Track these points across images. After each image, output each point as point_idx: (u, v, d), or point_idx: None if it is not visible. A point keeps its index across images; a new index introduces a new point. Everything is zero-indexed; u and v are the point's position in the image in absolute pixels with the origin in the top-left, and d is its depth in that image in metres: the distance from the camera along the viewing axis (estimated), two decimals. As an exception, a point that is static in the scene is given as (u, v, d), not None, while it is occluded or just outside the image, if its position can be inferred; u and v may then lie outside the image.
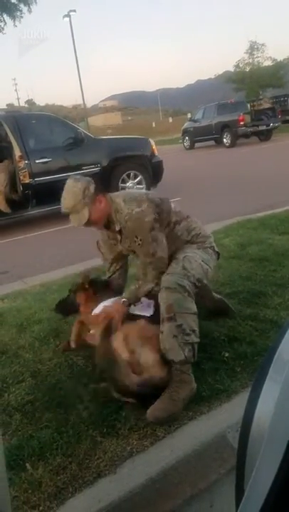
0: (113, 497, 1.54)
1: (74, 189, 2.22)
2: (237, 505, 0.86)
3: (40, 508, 1.54)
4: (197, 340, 2.02)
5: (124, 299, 2.28)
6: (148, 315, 2.30)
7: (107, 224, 2.33)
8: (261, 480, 0.78)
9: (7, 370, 2.40)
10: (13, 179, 6.82)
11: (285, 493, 0.71)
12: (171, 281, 2.06)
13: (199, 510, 1.58)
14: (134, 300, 2.31)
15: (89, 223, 2.26)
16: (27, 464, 1.71)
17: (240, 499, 0.80)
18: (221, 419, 1.84)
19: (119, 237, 2.32)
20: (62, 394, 2.12)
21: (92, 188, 2.22)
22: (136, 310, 2.35)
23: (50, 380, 2.26)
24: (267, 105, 18.77)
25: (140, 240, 2.19)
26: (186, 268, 2.12)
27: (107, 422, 1.89)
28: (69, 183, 2.26)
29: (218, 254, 2.42)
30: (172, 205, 2.38)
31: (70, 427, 1.88)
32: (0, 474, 0.99)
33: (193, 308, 2.05)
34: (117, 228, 2.28)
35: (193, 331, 2.01)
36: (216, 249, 2.42)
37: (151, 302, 2.33)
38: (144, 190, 2.43)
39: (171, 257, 2.24)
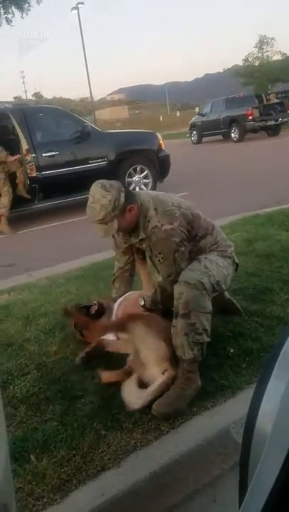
0: (116, 490, 1.55)
1: (103, 201, 2.05)
2: (240, 501, 0.86)
3: (44, 499, 1.55)
4: (208, 340, 2.01)
5: (141, 299, 2.28)
6: None
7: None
8: (265, 476, 0.78)
9: (12, 362, 2.41)
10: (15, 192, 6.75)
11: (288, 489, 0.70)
12: (192, 276, 2.02)
13: (202, 505, 1.58)
14: (151, 303, 2.28)
15: (118, 233, 2.22)
16: (31, 456, 1.72)
17: (243, 495, 0.80)
18: (225, 414, 1.84)
19: (137, 241, 2.26)
20: (67, 387, 2.13)
21: (122, 197, 2.08)
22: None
23: (55, 372, 2.27)
24: (274, 100, 18.61)
25: (162, 258, 2.11)
26: (208, 267, 2.10)
27: (111, 416, 1.89)
28: (97, 191, 2.08)
29: (236, 265, 2.37)
30: (202, 217, 2.27)
31: (75, 420, 1.89)
32: (4, 466, 0.99)
33: (209, 307, 2.03)
34: (141, 237, 2.20)
35: (205, 330, 2.00)
36: (236, 260, 2.36)
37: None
38: (173, 197, 2.31)
39: (191, 259, 2.19)
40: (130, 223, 2.17)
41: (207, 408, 1.89)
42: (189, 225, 2.16)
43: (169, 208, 2.14)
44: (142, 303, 2.29)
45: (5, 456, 0.98)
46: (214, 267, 2.13)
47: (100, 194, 2.06)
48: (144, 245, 2.25)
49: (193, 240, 2.20)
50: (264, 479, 0.79)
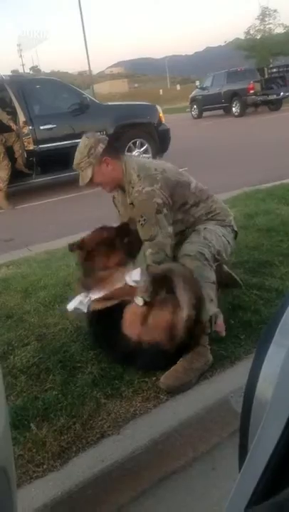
0: (116, 457, 1.57)
1: (81, 145, 2.18)
2: (240, 467, 0.86)
3: (44, 466, 1.57)
4: (215, 310, 2.00)
5: (139, 298, 2.11)
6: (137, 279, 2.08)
7: (122, 188, 2.28)
8: (265, 441, 0.78)
9: (12, 333, 2.42)
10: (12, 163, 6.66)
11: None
12: (191, 249, 2.03)
13: (201, 472, 1.60)
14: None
15: (93, 184, 2.21)
16: (31, 424, 1.74)
17: (243, 461, 0.80)
18: (224, 384, 1.85)
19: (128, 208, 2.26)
20: (66, 357, 2.14)
21: (99, 147, 2.16)
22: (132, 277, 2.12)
23: (55, 343, 2.28)
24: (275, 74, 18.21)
25: (144, 220, 2.10)
26: (207, 238, 2.10)
27: (111, 385, 1.91)
28: (82, 138, 2.23)
29: (236, 233, 2.35)
30: (192, 185, 2.26)
31: (75, 389, 1.91)
32: (4, 433, 1.00)
33: (213, 277, 2.02)
34: (129, 201, 2.22)
35: (211, 300, 1.98)
36: (235, 228, 2.34)
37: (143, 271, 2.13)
38: (161, 164, 2.28)
39: (190, 230, 2.19)
40: (106, 178, 2.21)
41: (206, 378, 1.91)
42: (173, 190, 2.16)
43: (151, 173, 2.16)
44: (141, 302, 1.99)
45: (4, 421, 0.98)
46: (214, 237, 2.12)
47: (82, 140, 2.21)
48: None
49: (183, 206, 2.20)
50: (264, 444, 0.78)
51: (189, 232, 2.21)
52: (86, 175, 2.18)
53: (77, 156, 2.19)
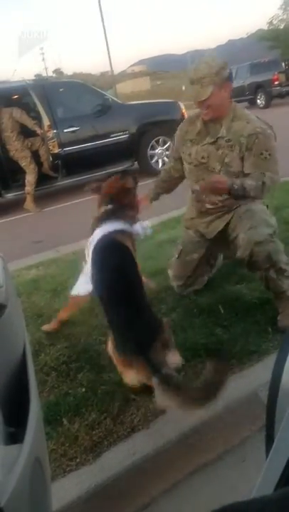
0: (147, 450, 1.60)
1: (211, 62, 2.15)
2: (267, 454, 0.87)
3: (77, 460, 1.62)
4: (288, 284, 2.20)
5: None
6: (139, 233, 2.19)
7: (209, 122, 2.28)
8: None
9: (43, 332, 2.47)
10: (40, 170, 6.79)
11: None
12: (259, 234, 2.10)
13: (232, 464, 1.61)
14: (238, 187, 2.14)
15: (204, 104, 2.19)
16: (64, 419, 1.79)
17: (270, 448, 0.81)
18: (253, 378, 1.85)
19: (211, 140, 2.26)
20: (95, 355, 2.18)
21: (226, 72, 2.17)
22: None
23: (83, 341, 2.32)
24: None
25: (269, 155, 2.17)
26: (265, 219, 2.18)
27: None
28: (207, 57, 2.23)
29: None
30: None
31: (104, 386, 1.94)
32: (38, 426, 1.03)
33: (282, 247, 2.19)
34: (221, 134, 2.22)
35: (287, 263, 2.19)
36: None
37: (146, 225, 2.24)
38: None
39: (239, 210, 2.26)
40: (221, 102, 2.19)
41: (234, 372, 1.90)
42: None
43: (265, 125, 2.23)
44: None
45: (37, 414, 1.01)
46: (268, 217, 2.21)
47: (210, 58, 2.20)
48: (218, 144, 2.24)
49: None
50: (289, 433, 0.79)
51: (234, 220, 2.26)
52: (205, 91, 2.14)
53: (204, 69, 2.13)
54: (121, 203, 2.18)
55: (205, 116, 2.27)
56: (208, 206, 2.35)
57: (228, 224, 2.31)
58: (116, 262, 1.94)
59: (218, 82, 2.12)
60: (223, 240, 2.35)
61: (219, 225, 2.35)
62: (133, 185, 2.26)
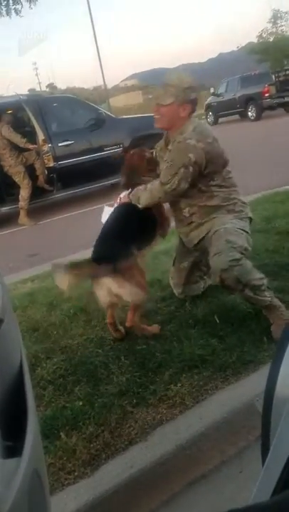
0: (145, 462, 1.59)
1: (184, 78, 2.21)
2: (263, 462, 0.88)
3: (75, 473, 1.61)
4: (270, 296, 2.21)
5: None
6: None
7: (166, 138, 2.37)
8: (286, 437, 0.80)
9: (39, 346, 2.48)
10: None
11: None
12: (223, 262, 2.07)
13: (229, 475, 1.61)
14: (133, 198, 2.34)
15: (159, 110, 2.24)
16: (61, 433, 1.78)
17: (265, 456, 0.82)
18: (249, 388, 1.86)
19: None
20: (92, 368, 2.18)
21: (193, 95, 2.22)
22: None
23: (80, 354, 2.32)
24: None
25: (169, 164, 2.19)
26: (231, 241, 2.12)
27: (137, 394, 1.93)
28: (184, 71, 2.42)
29: (250, 219, 2.42)
30: (226, 170, 2.34)
31: (101, 399, 1.94)
32: (35, 438, 1.04)
33: (250, 266, 2.14)
34: (170, 147, 2.29)
35: (261, 278, 2.16)
36: (250, 215, 2.42)
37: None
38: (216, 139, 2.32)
39: (210, 234, 2.25)
40: (173, 116, 2.22)
41: (231, 382, 1.91)
42: (211, 160, 2.21)
43: (206, 133, 2.24)
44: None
45: (35, 426, 1.02)
46: (235, 238, 2.15)
47: (186, 75, 2.27)
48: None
49: (207, 181, 2.27)
50: (285, 440, 0.81)
51: (209, 237, 2.25)
52: (166, 99, 2.19)
53: (174, 79, 2.19)
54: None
55: (156, 123, 2.35)
56: (180, 217, 2.42)
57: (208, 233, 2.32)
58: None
59: (181, 99, 2.18)
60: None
61: (195, 237, 2.40)
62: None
